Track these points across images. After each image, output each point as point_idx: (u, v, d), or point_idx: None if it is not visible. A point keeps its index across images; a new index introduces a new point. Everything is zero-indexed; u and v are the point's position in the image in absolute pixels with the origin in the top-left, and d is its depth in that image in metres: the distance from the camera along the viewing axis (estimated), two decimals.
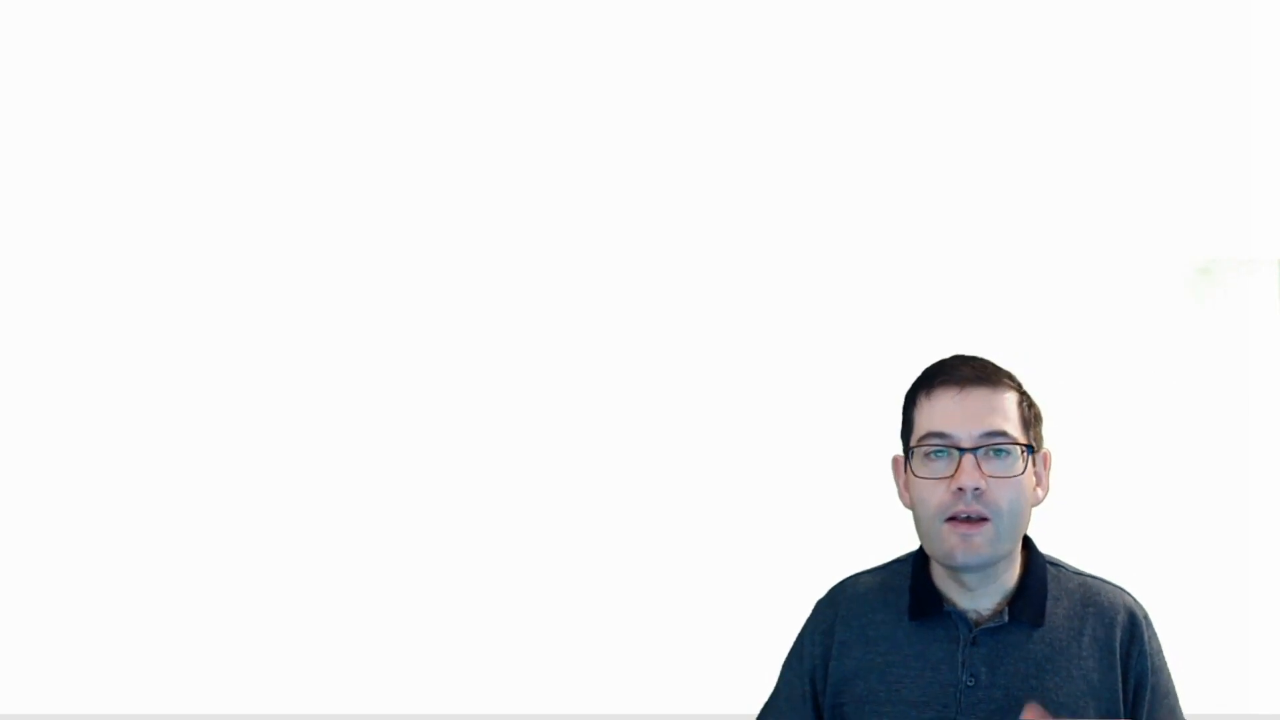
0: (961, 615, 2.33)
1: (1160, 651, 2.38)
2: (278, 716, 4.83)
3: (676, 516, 5.71)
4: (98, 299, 4.45)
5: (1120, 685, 2.31)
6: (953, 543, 2.28)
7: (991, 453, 2.29)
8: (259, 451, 4.80)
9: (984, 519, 2.27)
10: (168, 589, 4.67)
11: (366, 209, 4.99)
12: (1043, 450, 2.38)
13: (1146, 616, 2.39)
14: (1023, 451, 2.31)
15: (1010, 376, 2.38)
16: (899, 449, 2.43)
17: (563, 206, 5.38)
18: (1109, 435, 6.58)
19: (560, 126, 4.50)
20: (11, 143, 4.21)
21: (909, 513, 2.41)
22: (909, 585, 2.39)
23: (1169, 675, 2.38)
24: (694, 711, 5.60)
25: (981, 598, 2.33)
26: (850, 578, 2.51)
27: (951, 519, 2.28)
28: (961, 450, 2.28)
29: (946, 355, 2.43)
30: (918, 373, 2.43)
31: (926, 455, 2.32)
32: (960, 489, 2.27)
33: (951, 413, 2.31)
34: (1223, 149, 4.87)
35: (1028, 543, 2.40)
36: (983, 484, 2.27)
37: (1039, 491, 2.37)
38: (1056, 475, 2.44)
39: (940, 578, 2.36)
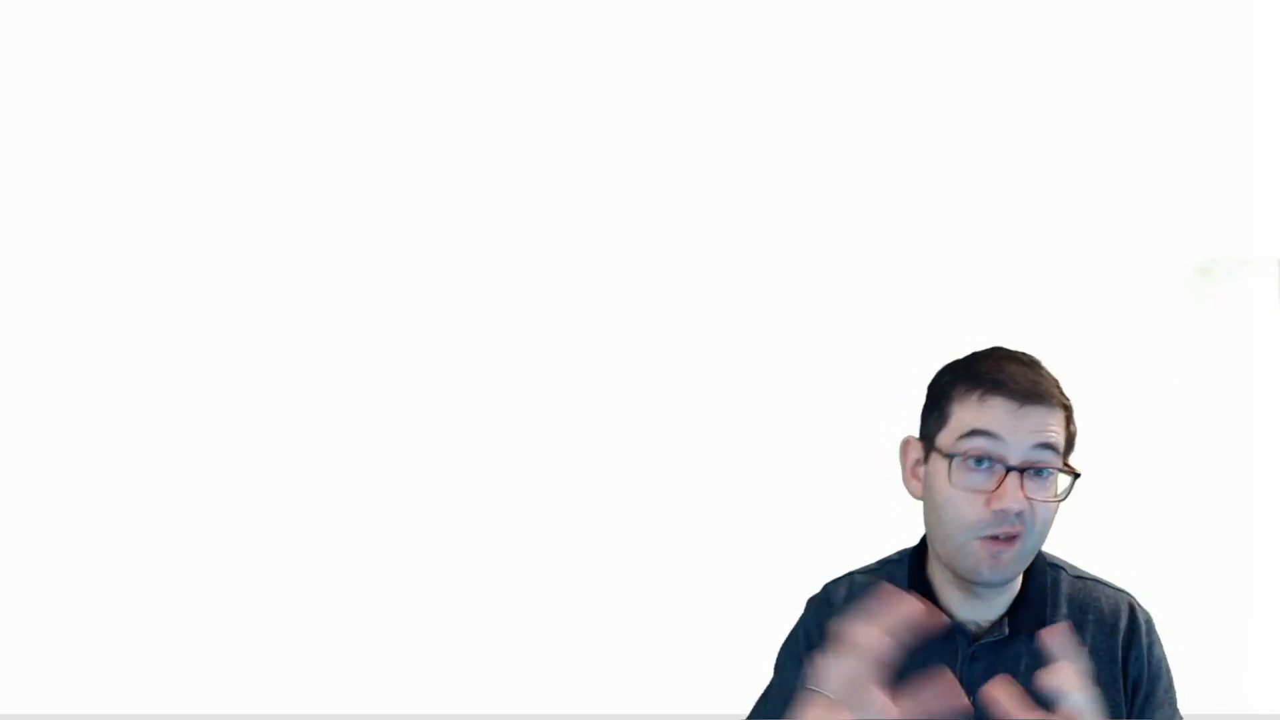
0: (961, 627, 2.24)
1: (1161, 658, 2.29)
2: (278, 716, 4.84)
3: (674, 515, 5.71)
4: (98, 300, 4.44)
5: (1123, 696, 2.22)
6: (981, 558, 2.14)
7: (1034, 472, 2.13)
8: (258, 452, 4.79)
9: (1018, 535, 2.13)
10: (168, 589, 4.66)
11: (366, 210, 4.99)
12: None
13: (1148, 620, 2.29)
14: (1071, 476, 2.16)
15: (1060, 389, 2.22)
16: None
17: (563, 206, 5.38)
18: (1109, 435, 6.58)
19: (561, 127, 4.50)
20: (12, 143, 4.21)
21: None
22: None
23: (1169, 683, 2.29)
24: (693, 712, 5.60)
25: (983, 607, 2.24)
26: (843, 577, 2.41)
27: (984, 537, 2.14)
28: (1008, 467, 2.12)
29: (986, 347, 2.27)
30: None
31: (967, 461, 2.13)
32: (1003, 510, 2.11)
33: (1006, 423, 2.13)
34: (1222, 149, 4.86)
35: None
36: (1026, 507, 2.12)
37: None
38: None
39: (940, 585, 2.26)
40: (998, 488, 2.11)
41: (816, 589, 2.46)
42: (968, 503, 2.13)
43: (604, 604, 5.61)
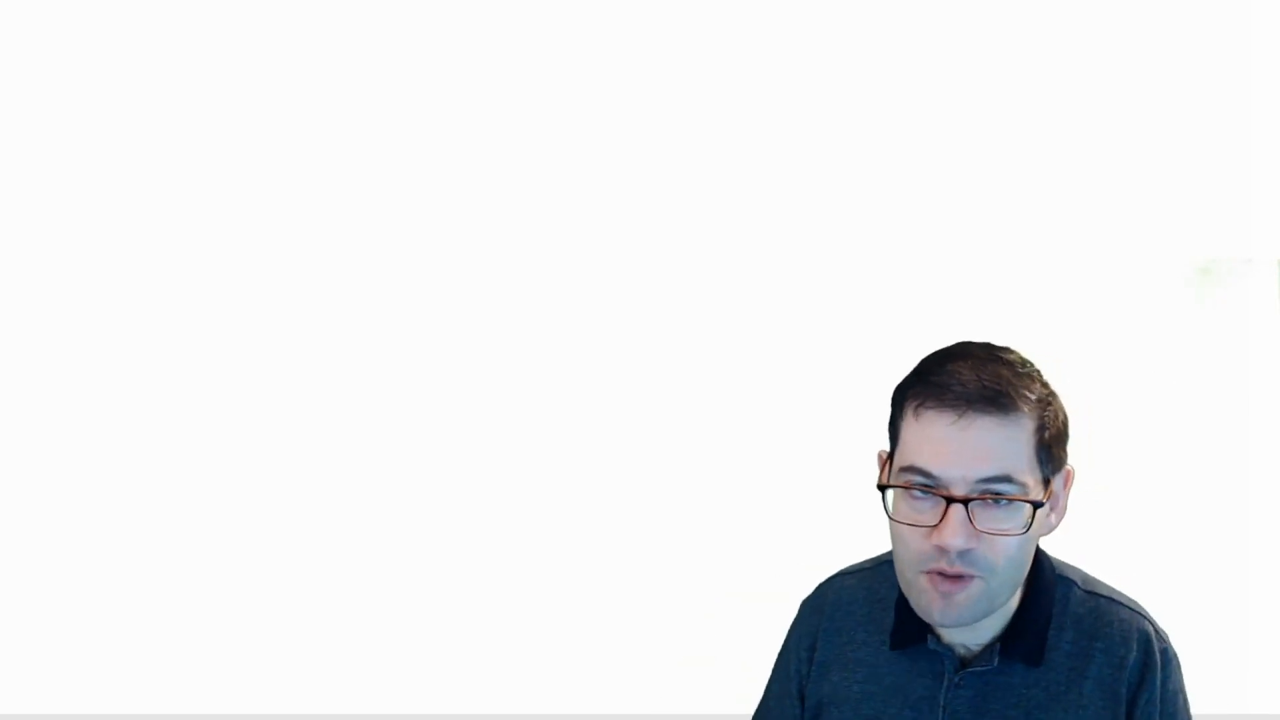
0: (948, 650, 1.98)
1: (1176, 694, 1.98)
2: (278, 717, 4.84)
3: (672, 515, 5.71)
4: (99, 301, 4.46)
5: None
6: (930, 599, 1.86)
7: (990, 501, 1.83)
8: (258, 454, 4.81)
9: (971, 576, 1.84)
10: (168, 590, 4.67)
11: (366, 212, 5.00)
12: (1065, 469, 1.92)
13: (1165, 651, 1.97)
14: (1031, 506, 1.84)
15: (1030, 389, 1.87)
16: (886, 441, 2.00)
17: (565, 208, 5.39)
18: (1110, 432, 6.59)
19: (560, 134, 4.51)
20: (12, 144, 4.22)
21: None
22: (895, 600, 2.03)
23: None
24: (693, 711, 5.61)
25: (972, 631, 1.96)
26: (836, 577, 2.20)
27: (930, 571, 1.85)
28: (950, 500, 1.82)
29: (949, 344, 1.95)
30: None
31: (908, 493, 1.85)
32: (942, 546, 1.82)
33: (943, 449, 1.83)
34: (1223, 149, 4.87)
35: (1035, 554, 1.98)
36: (974, 544, 1.82)
37: (1051, 518, 1.92)
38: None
39: None
40: (940, 521, 1.82)
41: (809, 583, 2.41)
42: (910, 535, 1.86)
43: (600, 603, 5.61)
